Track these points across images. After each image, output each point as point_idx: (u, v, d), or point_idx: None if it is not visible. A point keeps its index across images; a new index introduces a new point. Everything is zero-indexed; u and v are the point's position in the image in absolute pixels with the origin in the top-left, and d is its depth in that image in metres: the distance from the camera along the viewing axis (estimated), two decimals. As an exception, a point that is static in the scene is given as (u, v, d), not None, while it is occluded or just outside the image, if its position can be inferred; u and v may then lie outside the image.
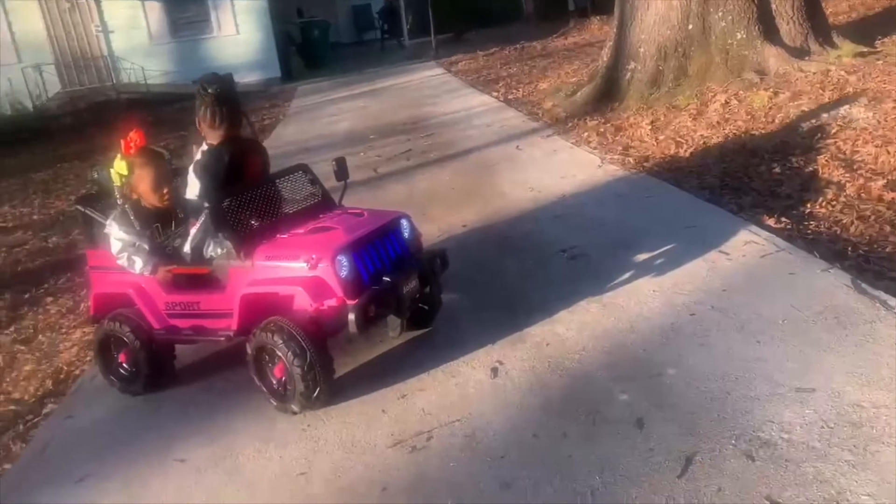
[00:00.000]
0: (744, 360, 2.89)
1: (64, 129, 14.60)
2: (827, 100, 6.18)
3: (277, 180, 3.45)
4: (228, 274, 3.22)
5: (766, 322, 3.14)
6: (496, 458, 2.62)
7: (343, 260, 2.98)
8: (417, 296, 3.33)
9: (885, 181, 4.43)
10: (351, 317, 2.91)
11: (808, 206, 4.38)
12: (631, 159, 6.05)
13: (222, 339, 3.34)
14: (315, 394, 3.03)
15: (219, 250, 3.28)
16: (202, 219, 3.28)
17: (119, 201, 3.42)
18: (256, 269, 3.12)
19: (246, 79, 17.70)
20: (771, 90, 6.75)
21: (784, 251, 3.77)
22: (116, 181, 3.38)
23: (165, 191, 3.38)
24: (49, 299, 5.46)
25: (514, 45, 15.91)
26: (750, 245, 3.91)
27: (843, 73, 6.72)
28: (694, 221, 4.40)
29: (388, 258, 3.19)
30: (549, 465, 2.53)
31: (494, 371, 3.17)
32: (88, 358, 4.31)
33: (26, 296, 5.62)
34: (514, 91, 10.79)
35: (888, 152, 4.81)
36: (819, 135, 5.48)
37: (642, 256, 4.05)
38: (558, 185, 5.61)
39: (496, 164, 6.63)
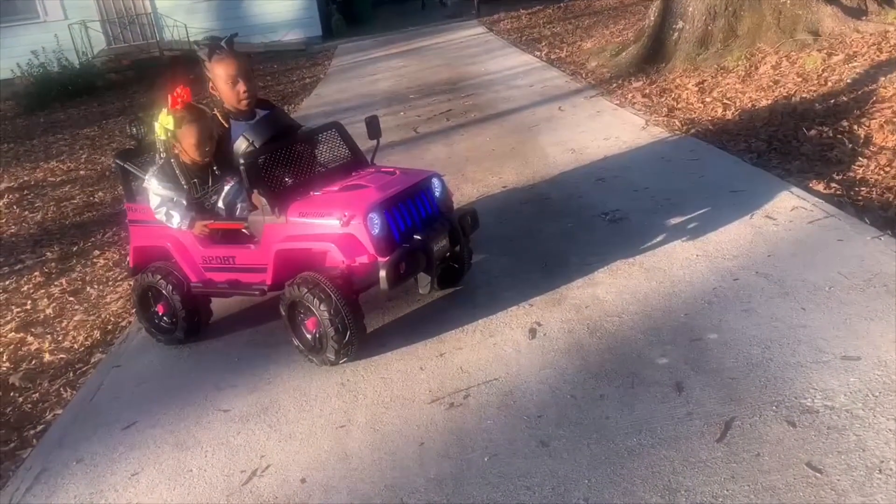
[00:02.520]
0: (788, 327, 2.84)
1: (109, 86, 14.83)
2: (884, 62, 5.95)
3: (311, 138, 3.49)
4: (263, 230, 3.25)
5: (812, 289, 3.08)
6: (533, 418, 2.63)
7: (375, 217, 3.01)
8: (447, 254, 3.36)
9: (943, 147, 4.27)
10: (382, 273, 2.95)
11: (860, 171, 4.26)
12: (676, 121, 5.92)
13: (256, 293, 3.41)
14: (346, 345, 3.10)
15: (249, 209, 3.33)
16: (234, 179, 3.38)
17: (161, 155, 3.47)
18: (290, 226, 3.16)
19: (287, 37, 17.73)
20: (825, 51, 6.53)
21: (833, 217, 3.68)
22: (161, 135, 3.41)
23: (207, 147, 3.40)
24: (96, 252, 5.60)
25: (559, 2, 15.60)
26: (797, 210, 3.82)
27: (902, 34, 6.46)
28: (740, 185, 4.31)
29: (418, 216, 3.22)
30: (585, 425, 2.54)
31: (532, 332, 3.17)
32: (134, 310, 4.42)
33: (74, 248, 5.77)
34: (557, 50, 10.61)
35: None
36: (874, 98, 5.29)
37: (685, 220, 3.99)
38: (601, 147, 5.53)
39: (537, 125, 6.56)
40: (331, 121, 3.66)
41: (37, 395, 3.69)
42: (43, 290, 5.04)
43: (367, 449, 2.65)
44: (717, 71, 7.04)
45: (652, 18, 8.37)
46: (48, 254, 5.73)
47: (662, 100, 6.66)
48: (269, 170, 3.24)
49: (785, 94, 5.93)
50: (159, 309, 3.70)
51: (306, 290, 3.06)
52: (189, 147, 3.38)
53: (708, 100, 6.33)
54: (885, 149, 4.45)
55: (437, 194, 3.35)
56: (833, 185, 4.12)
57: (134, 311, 3.75)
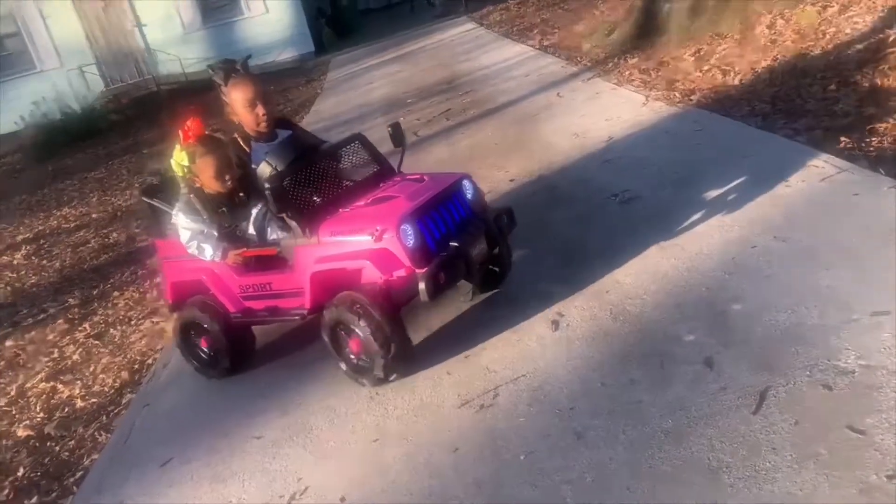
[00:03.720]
0: (813, 289, 2.79)
1: (111, 127, 14.97)
2: (880, 8, 5.85)
3: (334, 153, 3.41)
4: (295, 252, 3.18)
5: (833, 247, 3.03)
6: (565, 410, 2.61)
7: (408, 228, 2.92)
8: (486, 258, 3.25)
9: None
10: (421, 286, 2.85)
11: (869, 121, 4.18)
12: (677, 94, 5.86)
13: (297, 318, 3.33)
14: (394, 362, 3.01)
15: (280, 233, 3.27)
16: (259, 204, 3.32)
17: (183, 190, 3.40)
18: (322, 246, 3.08)
19: (281, 56, 17.81)
20: (819, 5, 6.42)
21: (846, 172, 3.61)
22: (178, 171, 3.36)
23: (227, 176, 3.32)
24: (116, 293, 5.65)
25: (545, -11, 15.51)
26: (809, 169, 3.76)
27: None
28: (748, 151, 4.25)
29: (452, 222, 3.11)
30: (619, 412, 2.50)
31: (555, 323, 3.14)
32: (160, 347, 4.45)
33: (95, 292, 5.82)
34: (550, 37, 10.56)
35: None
36: (875, 47, 5.20)
37: (697, 193, 3.94)
38: (603, 129, 5.48)
39: (537, 114, 6.52)
40: (352, 133, 3.57)
41: (73, 442, 3.72)
42: (68, 337, 5.09)
43: (402, 460, 2.64)
44: (713, 38, 6.96)
45: (641, -7, 8.29)
46: (69, 300, 5.78)
47: (660, 74, 6.60)
48: (295, 191, 3.17)
49: (784, 53, 5.85)
50: (203, 343, 3.64)
51: (346, 311, 2.99)
52: (208, 179, 3.32)
53: (706, 68, 6.26)
54: (892, 96, 4.36)
55: (469, 196, 3.24)
56: (843, 138, 4.05)
57: (162, 348, 3.69)
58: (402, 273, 2.95)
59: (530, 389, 2.78)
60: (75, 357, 4.74)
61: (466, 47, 12.00)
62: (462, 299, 3.27)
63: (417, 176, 3.36)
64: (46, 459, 3.66)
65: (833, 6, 6.27)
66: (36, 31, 17.31)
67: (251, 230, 3.38)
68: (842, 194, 3.43)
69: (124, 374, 4.26)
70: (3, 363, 5.03)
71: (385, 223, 2.93)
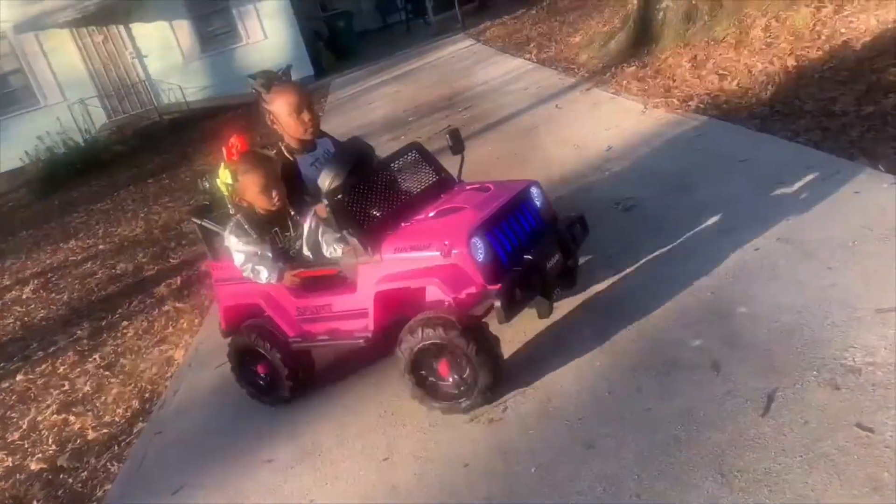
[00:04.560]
0: (817, 289, 2.79)
1: (115, 158, 15.09)
2: (874, 7, 5.86)
3: (392, 164, 3.20)
4: (357, 271, 2.96)
5: (836, 246, 3.02)
6: (574, 421, 2.60)
7: (478, 242, 2.70)
8: (562, 270, 3.03)
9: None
10: (497, 304, 2.63)
11: (868, 120, 4.18)
12: (675, 100, 5.88)
13: (361, 341, 3.05)
14: (496, 381, 2.79)
15: (336, 248, 3.10)
16: (309, 217, 3.15)
17: (231, 211, 3.26)
18: (386, 264, 2.86)
19: (280, 81, 17.88)
20: (813, 5, 6.44)
21: (846, 170, 3.61)
22: (223, 190, 3.23)
23: (274, 193, 3.16)
24: (125, 323, 5.67)
25: (541, 3, 15.60)
26: (810, 169, 3.76)
27: (888, -26, 6.37)
28: (748, 154, 4.25)
29: (523, 232, 2.89)
30: (628, 420, 2.50)
31: (561, 333, 3.14)
32: (169, 374, 4.47)
33: (103, 323, 5.85)
34: (547, 50, 10.60)
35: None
36: (871, 45, 5.21)
37: (698, 197, 3.94)
38: (603, 138, 5.49)
39: (537, 127, 6.54)
40: (409, 142, 3.39)
41: (85, 473, 3.73)
42: (78, 369, 5.11)
43: (413, 479, 2.63)
44: (709, 43, 6.97)
45: (635, 2, 8.33)
46: (78, 332, 5.81)
47: (658, 81, 6.62)
48: (355, 205, 2.94)
49: (780, 55, 5.86)
50: (259, 369, 3.45)
51: (446, 335, 2.69)
52: (254, 197, 3.17)
53: (703, 73, 6.27)
54: (891, 93, 4.36)
55: (538, 204, 3.03)
56: (842, 137, 4.05)
57: (232, 373, 3.52)
58: (472, 290, 2.72)
59: (539, 401, 2.78)
60: (86, 388, 4.76)
61: (464, 64, 12.06)
62: (540, 317, 2.98)
63: (481, 185, 3.15)
64: (60, 492, 3.66)
65: (827, 7, 6.29)
66: (38, 66, 17.49)
67: (305, 249, 3.21)
68: (843, 193, 3.42)
69: (135, 403, 4.27)
70: (14, 397, 5.05)
71: (453, 237, 2.73)
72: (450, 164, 3.40)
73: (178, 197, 9.96)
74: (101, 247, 8.61)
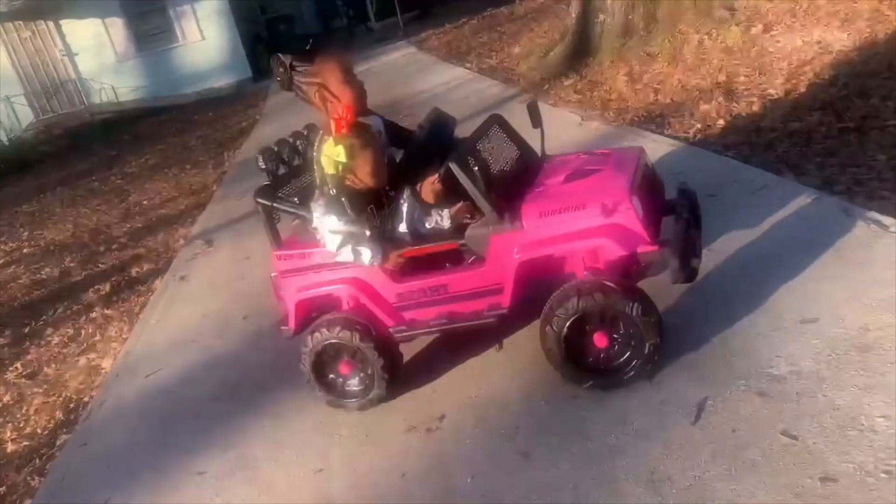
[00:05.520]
0: (743, 299, 2.87)
1: (42, 158, 14.52)
2: (800, 28, 6.11)
3: (485, 135, 2.92)
4: (489, 242, 2.71)
5: (762, 258, 3.12)
6: (511, 430, 2.62)
7: (636, 200, 2.57)
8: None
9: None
10: (674, 263, 2.49)
11: (794, 135, 4.34)
12: (611, 113, 6.00)
13: (491, 320, 2.79)
14: (663, 340, 2.58)
15: (444, 221, 2.85)
16: (405, 193, 2.88)
17: (333, 190, 2.82)
18: (529, 231, 2.65)
19: (217, 83, 17.61)
20: (742, 25, 6.68)
21: (773, 184, 3.74)
22: (330, 168, 2.80)
23: (383, 170, 2.88)
24: (49, 330, 5.45)
25: (482, 13, 15.74)
26: (738, 183, 3.88)
27: (812, -3, 6.65)
28: (679, 167, 4.36)
29: (650, 198, 2.77)
30: (563, 430, 2.53)
31: (499, 344, 3.15)
32: (96, 384, 4.32)
33: (26, 330, 5.61)
34: (487, 60, 10.70)
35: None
36: (796, 63, 5.42)
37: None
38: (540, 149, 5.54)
39: (477, 136, 6.56)
40: (491, 114, 3.16)
41: (3, 488, 3.56)
42: (-2, 378, 4.89)
43: (348, 489, 2.61)
44: (644, 58, 7.15)
45: (574, 16, 8.47)
46: (-1, 340, 5.56)
47: (595, 94, 6.74)
48: (482, 173, 2.67)
49: (712, 71, 6.05)
50: (342, 369, 3.04)
51: (606, 300, 2.51)
52: (366, 176, 2.83)
53: (638, 87, 6.43)
54: (814, 110, 4.54)
55: (653, 170, 2.92)
56: (770, 151, 4.20)
57: (308, 380, 3.06)
58: (645, 248, 2.56)
59: (475, 412, 2.78)
60: (6, 398, 4.55)
61: (406, 71, 12.06)
62: (681, 282, 2.63)
63: (587, 152, 2.99)
64: (-24, 508, 3.49)
65: (757, 25, 6.53)
66: (-40, 62, 16.77)
67: (403, 228, 2.88)
68: (769, 206, 3.53)
69: (59, 415, 4.11)
70: (-72, 409, 4.80)
71: (613, 195, 2.56)
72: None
73: (108, 199, 9.65)
74: (25, 250, 8.26)
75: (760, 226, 3.39)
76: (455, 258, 2.88)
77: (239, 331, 4.23)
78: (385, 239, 2.87)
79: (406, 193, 2.86)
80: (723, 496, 2.04)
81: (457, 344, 3.22)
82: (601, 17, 7.86)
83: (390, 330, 2.95)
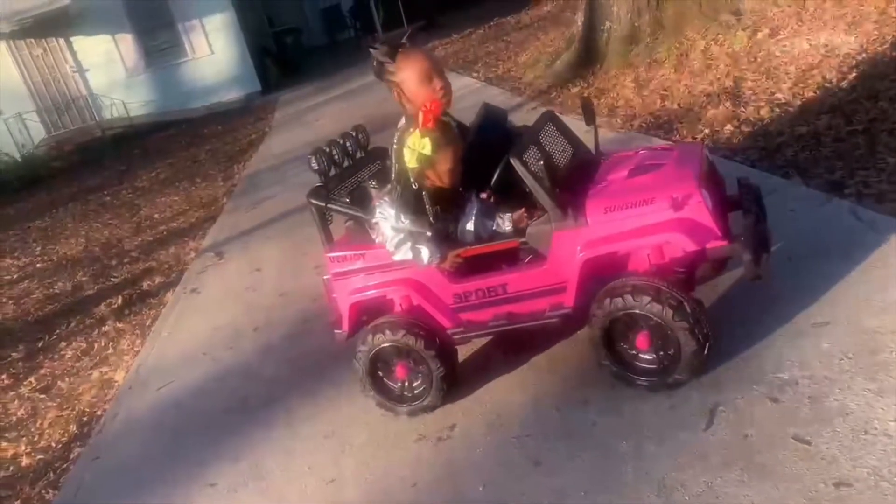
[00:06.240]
0: (755, 303, 2.86)
1: (54, 174, 14.66)
2: (806, 31, 6.10)
3: (541, 132, 2.86)
4: (552, 240, 2.65)
5: (772, 262, 3.09)
6: (522, 438, 2.61)
7: (706, 194, 2.51)
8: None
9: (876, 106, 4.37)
10: (747, 257, 2.44)
11: (802, 139, 4.33)
12: (618, 119, 6.00)
13: (555, 320, 2.73)
14: (706, 352, 2.50)
15: (506, 225, 2.79)
16: (471, 196, 2.82)
17: (415, 184, 2.74)
18: (594, 227, 2.59)
19: (227, 96, 17.73)
20: (749, 29, 6.67)
21: (782, 188, 3.73)
22: (412, 163, 2.70)
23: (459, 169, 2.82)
24: (63, 344, 5.49)
25: (488, 23, 15.80)
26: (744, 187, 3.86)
27: (820, 2, 6.63)
28: (688, 172, 4.35)
29: (715, 193, 2.72)
30: (575, 436, 2.52)
31: (507, 350, 3.15)
32: (109, 397, 4.34)
33: (40, 344, 5.65)
34: (494, 69, 10.73)
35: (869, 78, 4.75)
36: (803, 67, 5.41)
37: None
38: (549, 157, 5.55)
39: (485, 145, 6.58)
40: (545, 111, 3.11)
41: (18, 501, 3.58)
42: (12, 393, 4.92)
43: (360, 500, 2.60)
44: (651, 64, 7.15)
45: (580, 24, 8.49)
46: (13, 354, 5.60)
47: (602, 101, 6.75)
48: (544, 170, 2.61)
49: (719, 76, 6.04)
50: (398, 374, 2.98)
51: (646, 300, 2.44)
52: (444, 173, 2.78)
53: (646, 94, 6.43)
54: (822, 114, 4.53)
55: (715, 167, 2.89)
56: (778, 155, 4.19)
57: (363, 387, 3.00)
58: (716, 244, 2.49)
59: (486, 419, 2.78)
60: (20, 413, 4.58)
61: (413, 81, 12.10)
62: (755, 278, 2.51)
63: (648, 147, 2.93)
64: (-10, 522, 3.51)
65: (763, 30, 6.52)
66: (-28, 80, 16.96)
67: (469, 227, 2.79)
68: (778, 210, 3.50)
69: (72, 428, 4.13)
70: (-57, 423, 4.83)
71: (682, 189, 2.49)
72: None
73: (119, 214, 9.73)
74: (38, 265, 8.33)
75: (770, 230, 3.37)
76: (511, 259, 2.82)
77: (250, 342, 4.25)
78: (445, 239, 2.79)
79: (472, 196, 2.81)
80: (736, 501, 2.03)
81: (464, 354, 3.22)
82: (607, 24, 7.86)
83: (451, 331, 2.90)
